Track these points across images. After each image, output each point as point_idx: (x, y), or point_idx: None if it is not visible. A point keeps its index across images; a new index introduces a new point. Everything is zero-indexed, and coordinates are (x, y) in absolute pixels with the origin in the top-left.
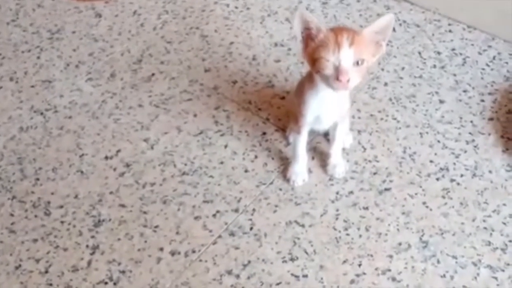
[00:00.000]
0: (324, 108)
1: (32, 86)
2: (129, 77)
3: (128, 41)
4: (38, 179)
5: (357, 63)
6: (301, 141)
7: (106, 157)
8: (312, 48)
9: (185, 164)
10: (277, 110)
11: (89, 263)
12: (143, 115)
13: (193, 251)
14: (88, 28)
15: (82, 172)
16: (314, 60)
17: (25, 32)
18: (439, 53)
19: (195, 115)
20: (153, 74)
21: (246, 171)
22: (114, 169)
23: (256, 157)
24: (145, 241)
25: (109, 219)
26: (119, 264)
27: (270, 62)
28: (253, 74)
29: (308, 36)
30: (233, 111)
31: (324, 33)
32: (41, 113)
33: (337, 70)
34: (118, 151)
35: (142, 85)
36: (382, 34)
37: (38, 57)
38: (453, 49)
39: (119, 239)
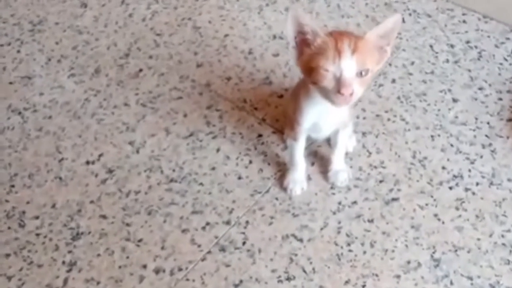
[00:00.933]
0: (323, 116)
1: (11, 83)
2: (114, 73)
3: (115, 33)
4: (13, 186)
5: (361, 73)
6: (298, 148)
7: (88, 162)
8: (308, 55)
9: (173, 170)
10: (274, 109)
11: (65, 281)
12: (129, 115)
13: (180, 269)
14: (72, 19)
15: (60, 178)
16: (310, 69)
17: (5, 23)
18: (452, 46)
19: (185, 115)
20: (140, 70)
21: (239, 178)
22: (96, 176)
23: (250, 162)
24: (127, 257)
25: (88, 232)
26: (98, 283)
27: (268, 57)
28: (249, 69)
29: (302, 42)
30: (226, 111)
31: (321, 38)
32: (19, 113)
33: (339, 82)
34: (101, 155)
35: (129, 81)
36: (387, 38)
37: (18, 51)
38: (467, 42)
39: (98, 255)
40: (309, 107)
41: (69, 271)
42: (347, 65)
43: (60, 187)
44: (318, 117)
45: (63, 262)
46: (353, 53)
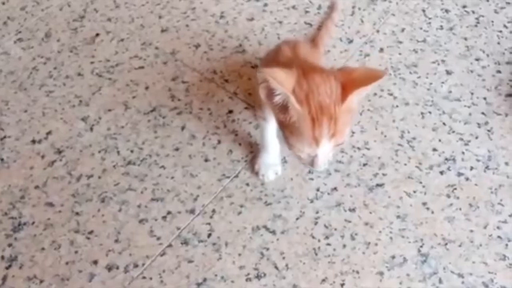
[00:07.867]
0: None
1: None
2: (67, 38)
3: None
4: None
5: (337, 145)
6: (270, 128)
7: (33, 141)
8: (283, 118)
9: (132, 151)
10: (247, 82)
11: (4, 279)
12: (83, 87)
13: (135, 265)
14: None
15: (2, 160)
16: (284, 128)
17: None
18: (447, 11)
19: (146, 88)
20: (97, 35)
21: (206, 160)
22: (42, 157)
23: (219, 142)
24: (76, 252)
25: (32, 222)
26: (41, 282)
27: (241, 21)
28: (220, 36)
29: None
30: (193, 83)
31: (297, 111)
32: None
33: (313, 160)
34: (49, 133)
35: (83, 48)
36: None
37: None
38: (464, 6)
39: (42, 249)
40: None
41: (8, 267)
42: (324, 150)
43: (1, 169)
44: None
45: (2, 257)
46: (331, 138)
